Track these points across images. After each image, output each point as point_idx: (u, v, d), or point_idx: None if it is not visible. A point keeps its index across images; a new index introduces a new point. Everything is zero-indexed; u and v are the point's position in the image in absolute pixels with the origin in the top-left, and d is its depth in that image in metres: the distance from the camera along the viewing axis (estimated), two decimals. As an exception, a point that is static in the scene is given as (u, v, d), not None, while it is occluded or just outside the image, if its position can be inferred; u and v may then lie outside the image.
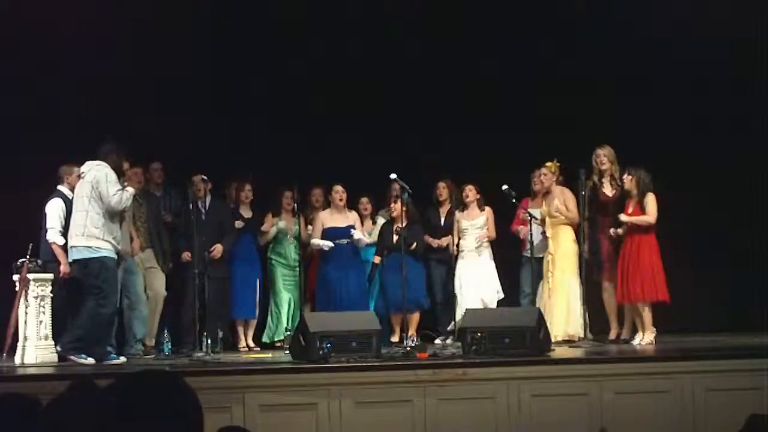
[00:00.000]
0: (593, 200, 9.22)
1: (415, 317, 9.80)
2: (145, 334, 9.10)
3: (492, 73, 10.91)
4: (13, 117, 9.61)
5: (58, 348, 7.97)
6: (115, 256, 8.07)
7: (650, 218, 8.87)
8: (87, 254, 7.93)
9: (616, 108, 10.62)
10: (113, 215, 8.00)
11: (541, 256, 9.57)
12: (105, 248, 7.93)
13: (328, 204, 10.09)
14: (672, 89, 10.71)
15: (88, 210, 7.91)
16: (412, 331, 9.48)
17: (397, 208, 9.76)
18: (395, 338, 9.67)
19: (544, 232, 9.60)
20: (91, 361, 7.84)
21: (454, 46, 10.96)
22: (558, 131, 10.44)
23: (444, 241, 10.04)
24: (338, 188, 9.84)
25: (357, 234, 9.77)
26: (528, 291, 9.75)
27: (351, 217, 9.88)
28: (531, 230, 9.49)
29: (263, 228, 9.97)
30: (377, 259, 9.99)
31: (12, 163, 9.48)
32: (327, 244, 9.73)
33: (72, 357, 7.80)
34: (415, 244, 9.84)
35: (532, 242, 9.47)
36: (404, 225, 9.58)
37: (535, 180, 9.86)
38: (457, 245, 9.87)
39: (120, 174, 8.13)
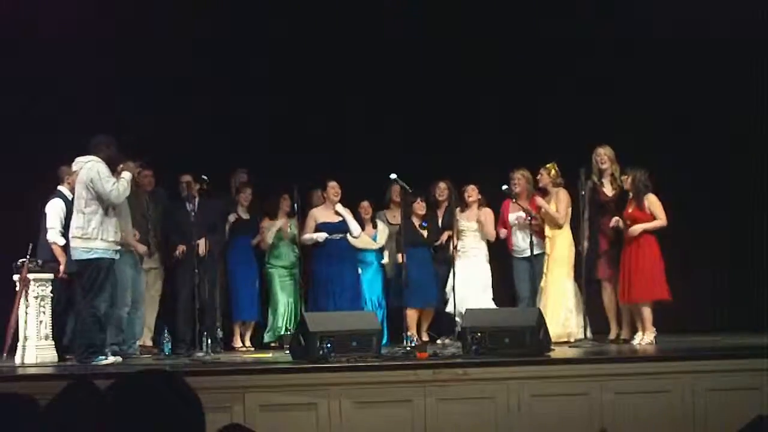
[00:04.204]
0: (593, 200, 9.20)
1: (430, 315, 9.91)
2: (142, 335, 9.10)
3: (492, 73, 10.92)
4: (13, 117, 9.61)
5: (76, 362, 7.91)
6: (114, 256, 8.03)
7: (662, 221, 8.88)
8: (83, 255, 7.90)
9: (616, 108, 10.61)
10: (110, 211, 7.95)
11: (528, 255, 9.56)
12: (101, 248, 7.88)
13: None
14: (672, 89, 10.70)
15: (84, 211, 7.87)
16: (425, 327, 9.58)
17: (422, 205, 9.95)
18: (411, 333, 9.56)
19: (535, 233, 9.57)
20: (111, 359, 7.84)
21: (453, 46, 10.98)
22: (558, 131, 10.45)
23: (444, 236, 10.04)
24: (333, 184, 9.84)
25: (351, 223, 9.77)
26: (524, 294, 9.72)
27: (338, 207, 9.84)
28: (530, 231, 9.51)
29: (265, 237, 9.96)
30: (400, 258, 9.80)
31: (12, 163, 9.48)
32: (321, 236, 9.72)
33: (93, 363, 7.72)
34: (446, 237, 9.98)
35: (532, 242, 9.47)
36: (427, 219, 9.97)
37: (515, 181, 9.82)
38: (456, 246, 9.89)
39: (113, 165, 8.03)
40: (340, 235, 9.78)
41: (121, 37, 10.04)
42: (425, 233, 9.93)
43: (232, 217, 9.77)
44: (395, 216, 10.16)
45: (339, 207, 9.82)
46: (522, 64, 10.91)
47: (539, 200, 9.53)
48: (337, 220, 9.80)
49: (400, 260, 9.73)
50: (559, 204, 9.52)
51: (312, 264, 9.94)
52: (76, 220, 7.91)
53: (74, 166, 8.04)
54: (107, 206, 7.90)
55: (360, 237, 9.95)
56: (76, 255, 7.93)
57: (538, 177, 9.67)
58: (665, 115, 10.78)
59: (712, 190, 10.64)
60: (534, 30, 10.92)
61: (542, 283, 9.53)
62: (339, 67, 10.90)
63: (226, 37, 10.60)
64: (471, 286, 9.69)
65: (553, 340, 9.04)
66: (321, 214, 9.86)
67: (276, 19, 10.77)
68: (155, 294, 9.53)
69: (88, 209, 7.86)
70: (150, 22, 10.16)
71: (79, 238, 7.88)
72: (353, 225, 9.82)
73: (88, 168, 7.91)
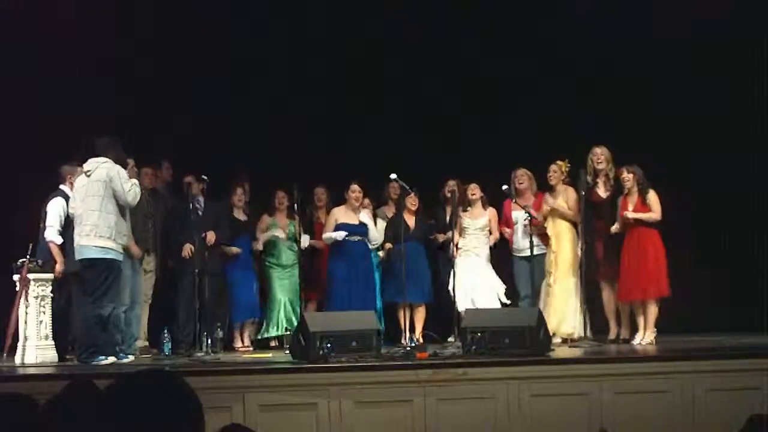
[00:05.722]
0: (587, 201, 9.17)
1: (422, 313, 9.85)
2: (139, 334, 9.09)
3: (492, 72, 10.93)
4: (13, 117, 9.61)
5: (77, 362, 7.91)
6: (122, 258, 8.02)
7: (657, 215, 8.90)
8: (96, 254, 7.86)
9: (616, 108, 10.61)
10: (123, 213, 7.95)
11: (528, 255, 9.53)
12: (114, 249, 7.87)
13: (332, 203, 10.11)
14: (672, 88, 10.70)
15: (100, 210, 7.83)
16: (419, 329, 9.51)
17: (414, 200, 9.89)
18: (402, 338, 9.54)
19: (536, 233, 9.56)
20: (111, 359, 7.83)
21: (453, 45, 10.98)
22: (558, 131, 10.46)
23: (455, 237, 10.01)
24: (355, 187, 9.85)
25: (372, 231, 9.85)
26: (525, 293, 9.72)
27: (363, 215, 9.90)
28: (530, 230, 9.50)
29: (257, 234, 9.95)
30: (388, 246, 9.91)
31: (12, 163, 9.48)
32: (340, 234, 9.72)
33: (93, 363, 7.71)
34: (435, 235, 10.01)
35: (532, 242, 9.45)
36: (420, 216, 9.95)
37: (519, 179, 9.81)
38: (457, 244, 9.89)
39: (121, 165, 8.04)
40: (359, 237, 9.79)
41: (121, 36, 10.04)
42: (412, 228, 9.87)
43: (234, 250, 9.75)
44: (392, 213, 10.25)
45: (363, 215, 9.85)
46: (522, 64, 10.92)
47: (551, 200, 9.51)
48: (356, 223, 9.81)
49: (388, 246, 9.87)
50: (570, 200, 9.51)
51: (329, 262, 9.94)
52: (89, 218, 7.84)
53: (87, 166, 7.96)
54: (121, 207, 7.89)
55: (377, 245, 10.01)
56: (88, 253, 7.86)
57: (550, 174, 9.64)
58: (665, 115, 10.78)
59: (712, 189, 10.64)
60: (534, 29, 10.94)
61: (548, 281, 9.51)
62: (339, 66, 10.91)
63: (226, 36, 10.62)
64: (477, 285, 9.69)
65: (562, 338, 9.14)
66: (342, 214, 9.86)
67: (276, 18, 10.78)
68: (147, 299, 9.49)
69: (104, 208, 7.83)
70: (150, 22, 10.17)
71: (94, 236, 7.83)
72: (374, 234, 9.86)
73: (108, 167, 7.89)
